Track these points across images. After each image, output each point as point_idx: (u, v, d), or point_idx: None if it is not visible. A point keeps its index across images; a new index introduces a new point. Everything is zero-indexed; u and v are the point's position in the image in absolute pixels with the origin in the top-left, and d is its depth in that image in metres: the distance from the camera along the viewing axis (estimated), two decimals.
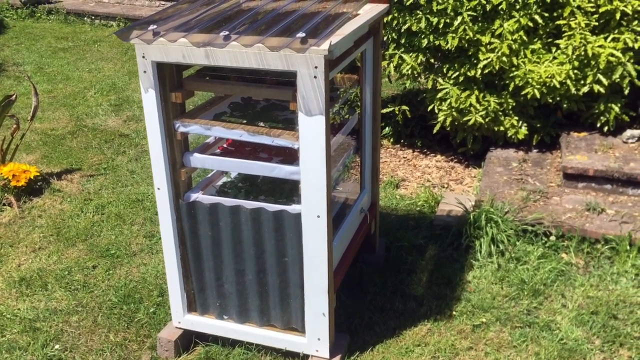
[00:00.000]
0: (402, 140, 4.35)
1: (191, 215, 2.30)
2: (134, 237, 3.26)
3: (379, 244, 3.00)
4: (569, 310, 2.66)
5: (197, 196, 2.31)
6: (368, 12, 2.33)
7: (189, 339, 2.49)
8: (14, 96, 3.77)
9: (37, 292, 2.83)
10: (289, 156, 2.40)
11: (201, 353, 2.45)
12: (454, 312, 2.66)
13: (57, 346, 2.51)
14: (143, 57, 2.07)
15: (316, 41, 1.87)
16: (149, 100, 2.14)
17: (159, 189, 2.27)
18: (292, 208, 2.18)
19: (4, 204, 3.56)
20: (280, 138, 2.11)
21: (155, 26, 2.04)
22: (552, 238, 3.07)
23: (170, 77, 2.14)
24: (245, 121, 2.29)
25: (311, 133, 2.01)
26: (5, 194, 3.58)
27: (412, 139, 4.31)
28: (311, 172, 2.06)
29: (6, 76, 5.85)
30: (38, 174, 3.71)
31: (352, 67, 2.77)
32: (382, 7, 2.44)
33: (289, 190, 2.45)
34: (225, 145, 2.55)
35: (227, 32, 1.96)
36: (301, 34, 1.89)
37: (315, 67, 1.91)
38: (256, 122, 2.29)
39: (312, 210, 2.11)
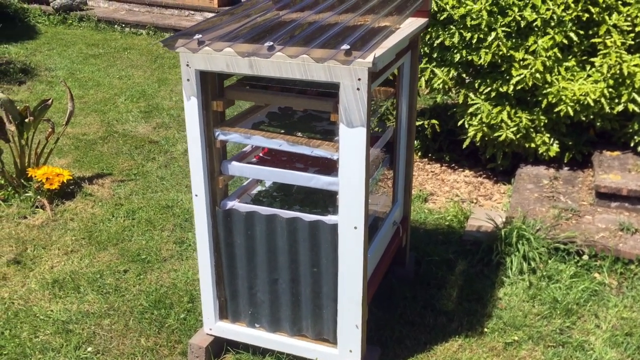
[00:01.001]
0: (430, 154, 4.35)
1: (227, 223, 2.32)
2: (164, 243, 3.29)
3: (409, 257, 2.99)
4: (602, 331, 2.62)
5: (233, 204, 2.33)
6: (408, 26, 2.35)
7: (220, 346, 2.49)
8: (50, 101, 3.84)
9: (70, 295, 2.86)
10: (325, 167, 2.42)
11: None
12: (485, 329, 2.64)
13: (89, 349, 2.53)
14: (187, 65, 2.10)
15: (361, 53, 1.89)
16: (191, 108, 2.16)
17: (196, 195, 2.29)
18: (329, 218, 2.19)
19: (37, 207, 3.61)
20: (320, 149, 2.13)
21: (200, 35, 2.07)
22: (585, 257, 3.04)
23: (212, 85, 2.17)
24: (283, 131, 2.31)
25: (352, 144, 2.01)
26: (39, 197, 3.64)
27: (440, 153, 4.31)
28: (350, 183, 2.07)
29: (39, 81, 5.96)
30: (71, 177, 3.76)
31: (385, 80, 2.78)
32: (422, 21, 2.45)
33: (323, 201, 2.46)
34: (261, 155, 2.57)
35: (271, 43, 1.98)
36: (346, 46, 1.90)
37: (359, 79, 1.92)
38: (294, 132, 2.31)
39: (350, 221, 2.11)
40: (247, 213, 2.27)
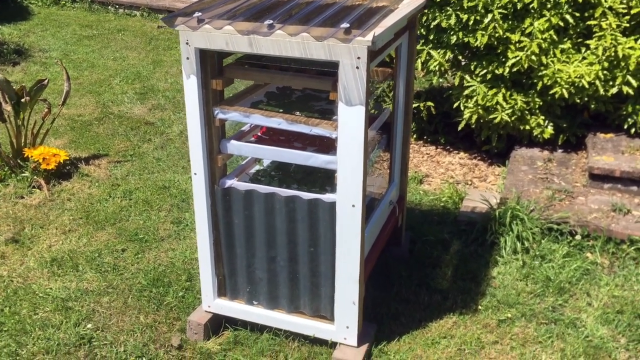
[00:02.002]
0: (425, 137, 4.37)
1: (226, 201, 2.34)
2: (162, 223, 3.31)
3: (404, 237, 3.03)
4: (594, 309, 2.67)
5: (232, 182, 2.35)
6: (407, 6, 2.35)
7: (218, 323, 2.53)
8: (46, 81, 3.83)
9: (69, 273, 2.89)
10: (323, 146, 2.44)
11: (230, 337, 2.49)
12: (479, 307, 2.69)
13: (89, 325, 2.56)
14: (187, 43, 2.10)
15: (360, 32, 1.90)
16: (190, 87, 2.17)
17: (195, 174, 2.31)
18: (327, 197, 2.21)
19: (34, 187, 3.62)
20: (319, 127, 2.14)
21: (200, 14, 2.08)
22: (578, 237, 3.08)
23: (211, 64, 2.18)
24: (281, 110, 2.32)
25: (350, 123, 2.03)
26: (35, 177, 3.64)
27: (436, 136, 4.33)
28: (348, 161, 2.09)
29: (32, 62, 5.93)
30: (67, 158, 3.77)
31: (382, 62, 2.79)
32: (420, 1, 2.46)
33: (320, 180, 2.48)
34: (259, 134, 2.58)
35: (271, 21, 1.99)
36: (345, 25, 1.91)
37: (358, 58, 1.93)
38: (292, 111, 2.33)
39: (348, 199, 2.14)
40: (246, 191, 2.30)
